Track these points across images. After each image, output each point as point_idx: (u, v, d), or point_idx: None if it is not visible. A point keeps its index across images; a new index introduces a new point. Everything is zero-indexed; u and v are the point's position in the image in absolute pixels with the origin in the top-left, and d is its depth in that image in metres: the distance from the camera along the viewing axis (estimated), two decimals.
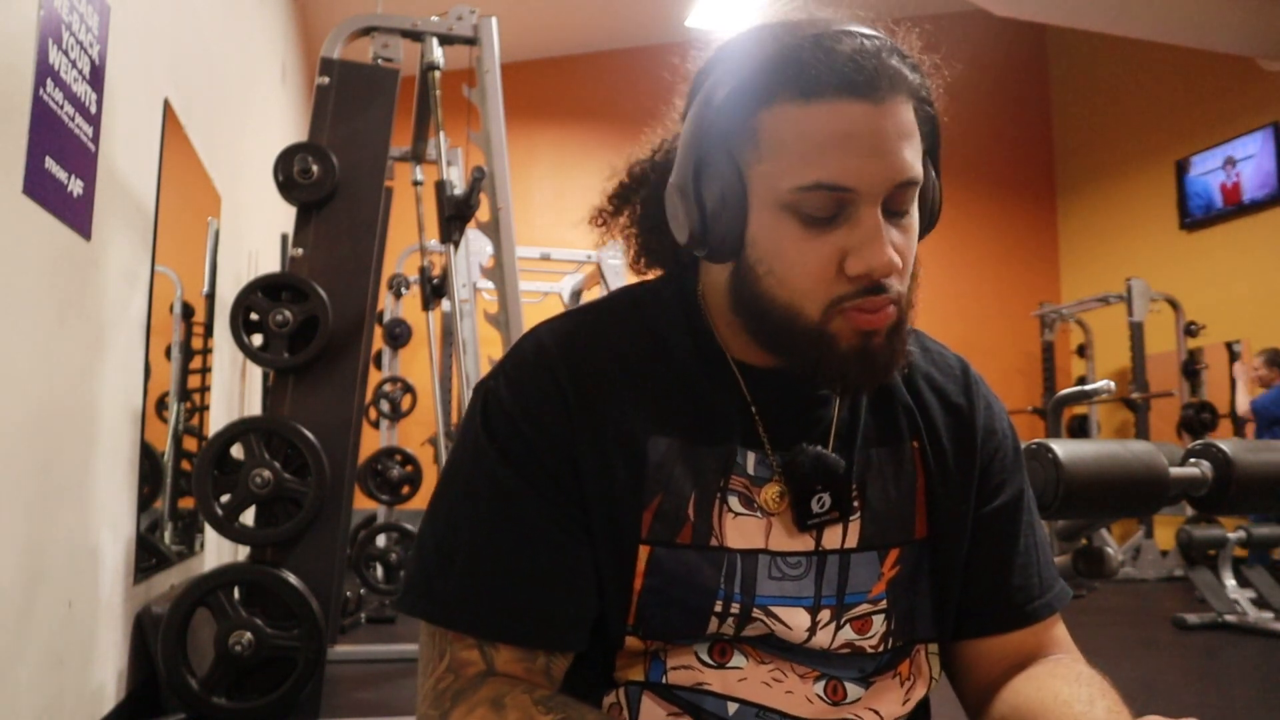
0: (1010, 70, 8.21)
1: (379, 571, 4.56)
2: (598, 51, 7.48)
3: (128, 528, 2.31)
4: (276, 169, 2.50)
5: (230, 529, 2.27)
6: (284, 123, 5.02)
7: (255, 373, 4.18)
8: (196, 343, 3.08)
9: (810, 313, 0.64)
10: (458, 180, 3.66)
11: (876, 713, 0.70)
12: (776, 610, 0.67)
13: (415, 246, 4.89)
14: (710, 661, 0.67)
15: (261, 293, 2.40)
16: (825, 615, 0.69)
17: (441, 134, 2.93)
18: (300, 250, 2.50)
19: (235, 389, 3.85)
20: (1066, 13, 5.43)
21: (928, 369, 0.78)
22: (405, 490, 4.80)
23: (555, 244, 5.47)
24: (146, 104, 2.36)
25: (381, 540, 4.67)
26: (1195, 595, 4.71)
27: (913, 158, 0.63)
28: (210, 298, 3.22)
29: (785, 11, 0.66)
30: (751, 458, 0.69)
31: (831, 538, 0.70)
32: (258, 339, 2.42)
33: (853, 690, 0.69)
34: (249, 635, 2.15)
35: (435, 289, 3.19)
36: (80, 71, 1.81)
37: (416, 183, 3.54)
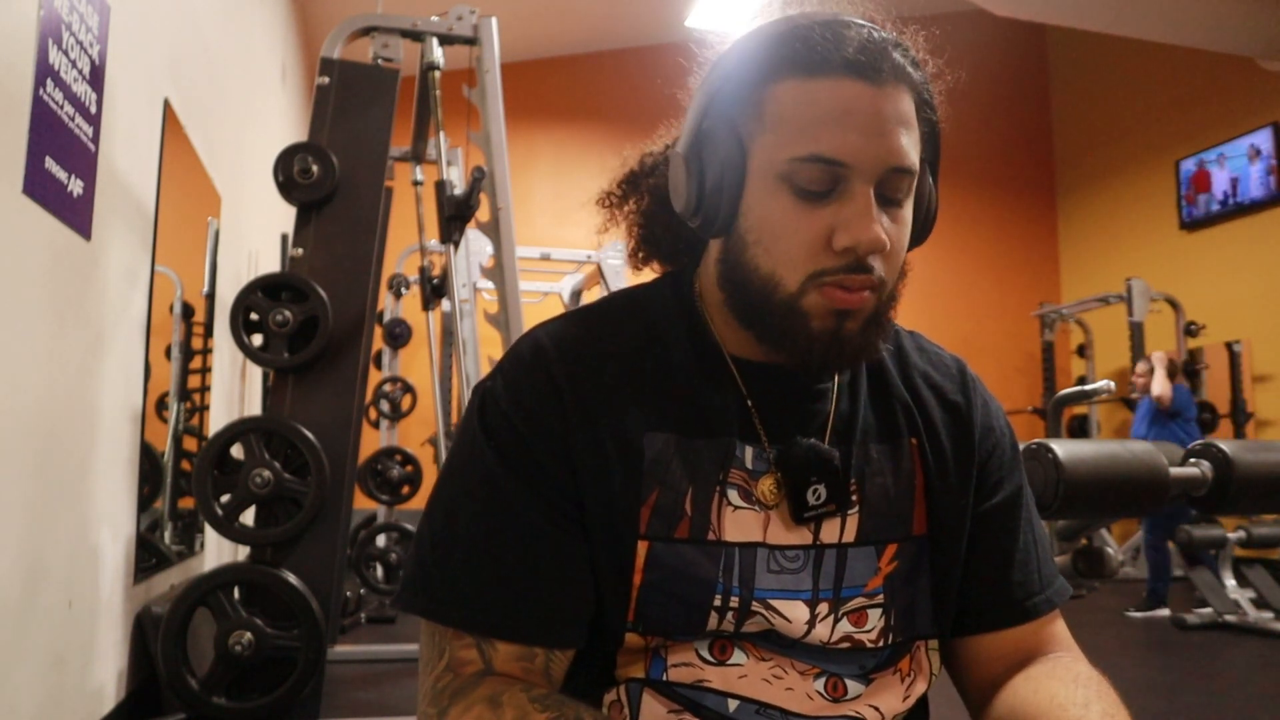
0: (1010, 70, 8.22)
1: (379, 571, 4.56)
2: (598, 51, 7.48)
3: (128, 528, 2.32)
4: (276, 169, 2.50)
5: (230, 529, 2.27)
6: (284, 123, 5.02)
7: (255, 373, 4.18)
8: (196, 343, 3.08)
9: (789, 284, 0.64)
10: (458, 180, 3.67)
11: (877, 709, 0.70)
12: (776, 603, 0.68)
13: (415, 246, 4.90)
14: (711, 659, 0.68)
15: (261, 292, 2.40)
16: (824, 608, 0.69)
17: (441, 134, 2.93)
18: (300, 250, 2.51)
19: (235, 389, 3.85)
20: (1066, 13, 5.42)
21: (925, 368, 0.78)
22: (405, 490, 4.81)
23: (555, 244, 5.48)
24: (146, 104, 2.36)
25: (381, 540, 4.67)
26: (1195, 595, 4.72)
27: (909, 146, 0.64)
28: (210, 298, 3.22)
29: (790, 9, 0.68)
30: (749, 452, 0.70)
31: (830, 532, 0.70)
32: (258, 339, 2.42)
33: (853, 687, 0.70)
34: (249, 635, 2.15)
35: (435, 289, 3.19)
36: (80, 71, 1.81)
37: (416, 183, 3.54)
